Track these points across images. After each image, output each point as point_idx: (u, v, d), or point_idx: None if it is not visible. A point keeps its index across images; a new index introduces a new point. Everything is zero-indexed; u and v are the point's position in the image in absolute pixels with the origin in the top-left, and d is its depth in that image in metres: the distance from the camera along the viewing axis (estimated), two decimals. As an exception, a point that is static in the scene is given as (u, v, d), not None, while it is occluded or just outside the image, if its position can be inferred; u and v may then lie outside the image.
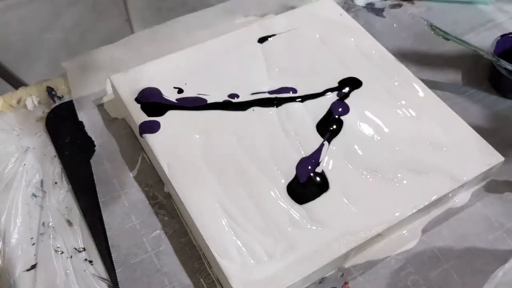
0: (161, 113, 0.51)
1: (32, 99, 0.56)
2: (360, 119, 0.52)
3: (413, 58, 0.62)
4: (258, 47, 0.58)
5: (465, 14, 0.69)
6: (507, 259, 0.41)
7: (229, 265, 0.42)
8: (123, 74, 0.54)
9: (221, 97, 0.53)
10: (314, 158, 0.49)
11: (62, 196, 0.49)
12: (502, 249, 0.47)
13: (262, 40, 0.59)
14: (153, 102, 0.52)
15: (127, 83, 0.53)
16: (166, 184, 0.50)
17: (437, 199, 0.47)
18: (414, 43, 0.65)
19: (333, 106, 0.53)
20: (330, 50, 0.59)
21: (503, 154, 0.50)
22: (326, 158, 0.49)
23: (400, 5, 0.70)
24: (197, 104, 0.52)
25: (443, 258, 0.46)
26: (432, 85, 0.57)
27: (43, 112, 0.56)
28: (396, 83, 0.55)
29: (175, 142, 0.49)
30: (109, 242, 0.46)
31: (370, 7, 0.69)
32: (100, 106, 0.56)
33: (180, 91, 0.53)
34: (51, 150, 0.53)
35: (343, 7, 0.64)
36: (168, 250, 0.46)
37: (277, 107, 0.53)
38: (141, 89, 0.53)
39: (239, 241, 0.43)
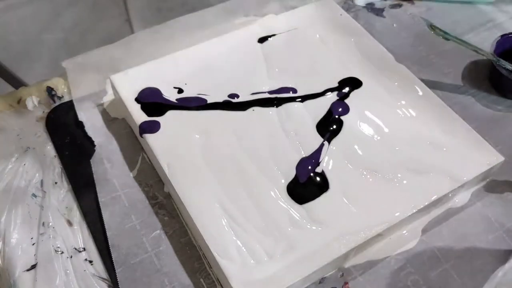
0: (161, 113, 0.51)
1: (32, 99, 0.56)
2: (360, 119, 0.52)
3: (413, 58, 0.62)
4: (258, 47, 0.58)
5: (465, 14, 0.69)
6: (507, 259, 0.42)
7: (229, 265, 0.42)
8: (123, 74, 0.54)
9: (221, 97, 0.53)
10: (314, 158, 0.49)
11: (62, 196, 0.49)
12: (502, 249, 0.47)
13: (262, 40, 0.59)
14: (153, 102, 0.52)
15: (127, 83, 0.53)
16: (166, 184, 0.50)
17: (437, 199, 0.47)
18: (414, 43, 0.65)
19: (333, 106, 0.53)
20: (330, 50, 0.59)
21: (503, 154, 0.50)
22: (326, 158, 0.49)
23: (400, 5, 0.70)
24: (197, 104, 0.52)
25: (443, 258, 0.46)
26: (432, 85, 0.57)
27: (43, 112, 0.56)
28: (396, 83, 0.55)
29: (175, 142, 0.49)
30: (109, 242, 0.46)
31: (370, 7, 0.69)
32: (100, 106, 0.56)
33: (180, 91, 0.54)
34: (51, 150, 0.53)
35: (343, 7, 0.64)
36: (168, 250, 0.46)
37: (277, 107, 0.53)
38: (141, 89, 0.53)
39: (239, 241, 0.43)
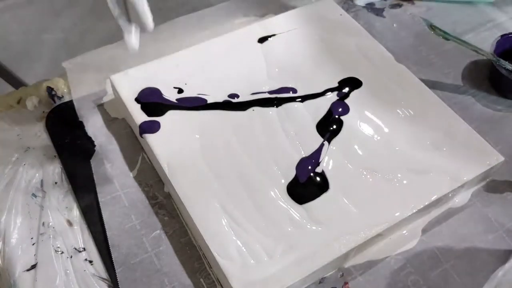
0: (161, 113, 0.51)
1: (32, 99, 0.56)
2: (360, 119, 0.52)
3: (413, 58, 0.62)
4: (258, 47, 0.58)
5: (465, 14, 0.69)
6: (507, 259, 0.42)
7: (229, 265, 0.42)
8: (123, 74, 0.54)
9: (221, 97, 0.53)
10: (314, 158, 0.49)
11: (62, 196, 0.49)
12: (502, 249, 0.47)
13: (262, 40, 0.59)
14: (153, 102, 0.52)
15: (127, 83, 0.53)
16: (166, 184, 0.50)
17: (437, 199, 0.47)
18: (414, 43, 0.65)
19: (333, 106, 0.53)
20: (330, 50, 0.58)
21: (503, 154, 0.50)
22: (326, 158, 0.49)
23: (400, 5, 0.70)
24: (197, 104, 0.52)
25: (443, 258, 0.46)
26: (432, 85, 0.57)
27: (43, 112, 0.56)
28: (396, 83, 0.55)
29: (175, 142, 0.49)
30: (109, 242, 0.46)
31: (370, 7, 0.69)
32: (100, 106, 0.56)
33: (180, 91, 0.53)
34: (51, 150, 0.53)
35: (343, 7, 0.64)
36: (168, 250, 0.46)
37: (277, 107, 0.53)
38: (141, 89, 0.53)
39: (239, 241, 0.43)
